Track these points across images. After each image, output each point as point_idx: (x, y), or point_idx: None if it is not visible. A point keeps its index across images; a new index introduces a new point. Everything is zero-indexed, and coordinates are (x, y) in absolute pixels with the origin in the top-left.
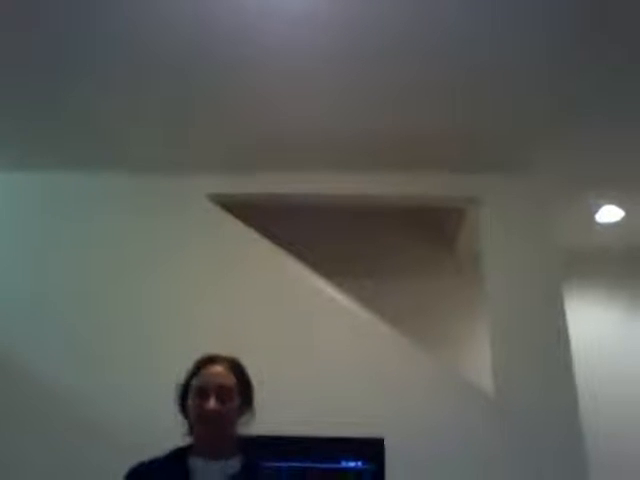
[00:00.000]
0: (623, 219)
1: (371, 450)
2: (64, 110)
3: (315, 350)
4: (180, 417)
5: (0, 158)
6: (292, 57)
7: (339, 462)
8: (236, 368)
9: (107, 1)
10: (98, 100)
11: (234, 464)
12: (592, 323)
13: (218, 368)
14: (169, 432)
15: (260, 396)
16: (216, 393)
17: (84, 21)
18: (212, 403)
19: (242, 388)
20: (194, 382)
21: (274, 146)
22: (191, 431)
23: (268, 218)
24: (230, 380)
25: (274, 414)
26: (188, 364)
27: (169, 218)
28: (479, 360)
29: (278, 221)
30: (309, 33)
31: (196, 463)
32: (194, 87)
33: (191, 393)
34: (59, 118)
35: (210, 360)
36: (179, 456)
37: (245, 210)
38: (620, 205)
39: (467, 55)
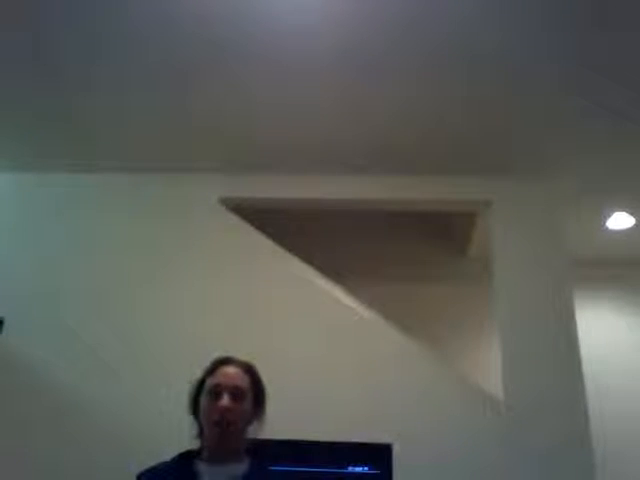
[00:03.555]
0: (634, 226)
1: (379, 455)
2: (72, 112)
3: (323, 355)
4: (191, 418)
5: (8, 159)
6: (299, 60)
7: (346, 467)
8: (251, 372)
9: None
10: (110, 104)
11: (241, 467)
12: (602, 329)
13: (234, 369)
14: (181, 438)
15: (268, 401)
16: (230, 392)
17: (88, 24)
18: (225, 400)
19: (255, 392)
20: (208, 381)
21: (284, 150)
22: (201, 433)
23: (279, 222)
24: (244, 382)
25: (281, 418)
26: (199, 370)
27: (180, 221)
28: (489, 365)
29: (288, 225)
30: (315, 38)
31: (202, 466)
32: (199, 94)
33: (205, 392)
34: (67, 119)
35: (226, 361)
36: (185, 459)
37: (256, 213)
38: (631, 212)
39: (478, 58)
